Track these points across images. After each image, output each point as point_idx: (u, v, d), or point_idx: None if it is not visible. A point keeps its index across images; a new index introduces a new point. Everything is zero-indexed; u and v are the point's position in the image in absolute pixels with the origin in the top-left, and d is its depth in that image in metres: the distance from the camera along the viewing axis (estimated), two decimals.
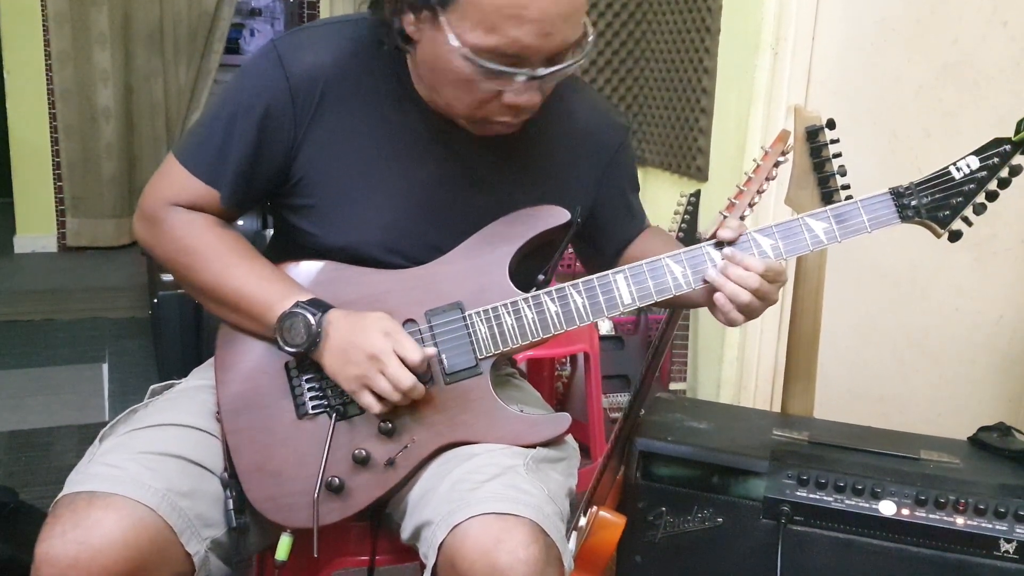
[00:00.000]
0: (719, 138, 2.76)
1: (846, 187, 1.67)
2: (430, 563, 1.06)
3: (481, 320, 1.19)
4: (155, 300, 3.12)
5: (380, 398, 1.13)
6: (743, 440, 1.61)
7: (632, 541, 1.58)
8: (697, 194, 2.82)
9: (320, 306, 1.15)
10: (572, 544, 1.58)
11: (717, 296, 1.19)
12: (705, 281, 1.20)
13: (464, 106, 1.13)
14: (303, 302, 1.15)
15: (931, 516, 1.45)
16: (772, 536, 1.50)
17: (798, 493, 1.50)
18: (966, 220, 1.25)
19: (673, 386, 2.84)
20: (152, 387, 1.30)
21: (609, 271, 1.20)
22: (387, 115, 1.19)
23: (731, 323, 1.21)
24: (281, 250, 1.27)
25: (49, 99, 4.77)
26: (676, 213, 2.85)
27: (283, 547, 1.15)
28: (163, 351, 3.11)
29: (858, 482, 1.49)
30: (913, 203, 1.22)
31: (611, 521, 1.56)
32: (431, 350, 1.16)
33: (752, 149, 2.50)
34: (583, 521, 1.59)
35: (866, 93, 2.38)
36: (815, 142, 1.64)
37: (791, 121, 1.66)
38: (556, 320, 1.19)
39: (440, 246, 1.22)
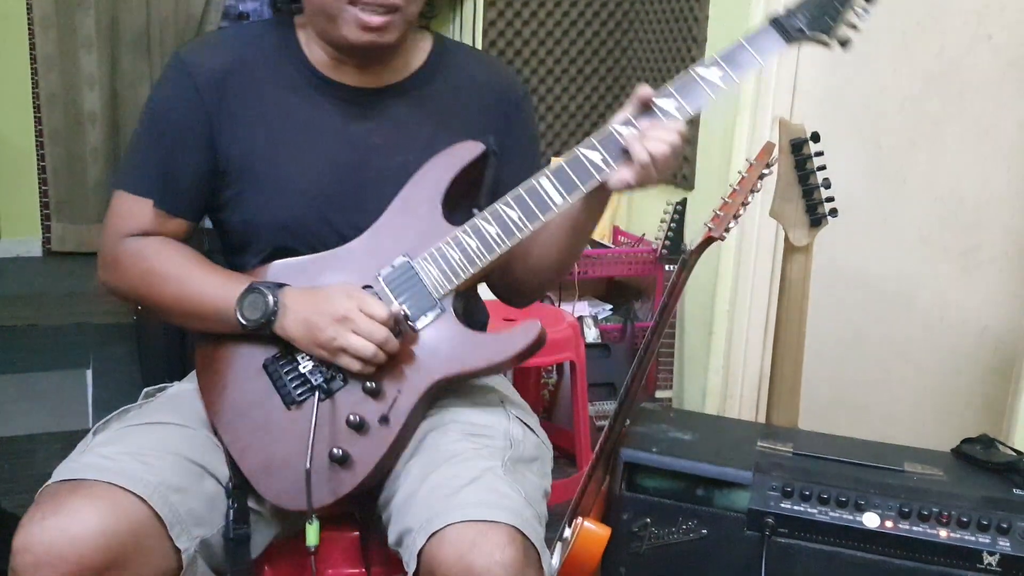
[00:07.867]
0: (705, 147, 2.76)
1: (830, 199, 1.67)
2: (411, 570, 1.07)
3: (429, 262, 1.23)
4: (139, 306, 3.09)
5: (359, 358, 1.16)
6: (728, 451, 1.61)
7: (617, 552, 1.58)
8: (683, 202, 2.83)
9: (275, 284, 1.21)
10: (557, 555, 1.58)
11: (636, 151, 1.16)
12: (625, 152, 1.18)
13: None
14: (257, 283, 1.21)
15: (914, 528, 1.46)
16: (756, 548, 1.50)
17: (782, 505, 1.50)
18: (853, 26, 1.22)
19: (659, 394, 2.84)
20: (146, 389, 1.33)
21: (531, 176, 1.22)
22: (293, 95, 1.27)
23: (647, 180, 1.18)
24: (229, 257, 1.34)
25: (34, 103, 4.72)
26: (662, 221, 2.86)
27: (312, 533, 1.16)
28: (148, 358, 3.09)
29: (842, 494, 1.49)
30: (794, 23, 1.21)
31: (596, 532, 1.56)
32: (397, 307, 1.19)
33: (738, 158, 2.50)
34: (568, 532, 1.59)
35: (852, 103, 2.39)
36: (799, 155, 1.64)
37: (776, 132, 1.66)
38: (497, 240, 1.22)
39: (368, 207, 1.27)
